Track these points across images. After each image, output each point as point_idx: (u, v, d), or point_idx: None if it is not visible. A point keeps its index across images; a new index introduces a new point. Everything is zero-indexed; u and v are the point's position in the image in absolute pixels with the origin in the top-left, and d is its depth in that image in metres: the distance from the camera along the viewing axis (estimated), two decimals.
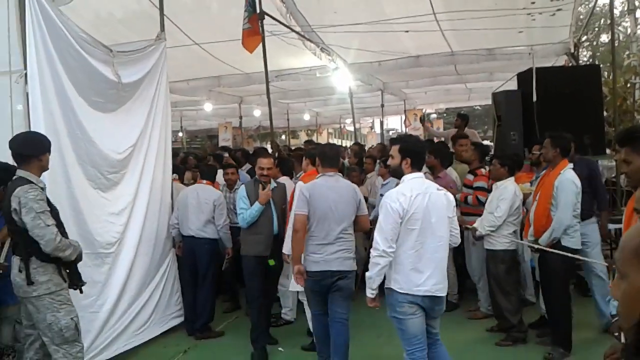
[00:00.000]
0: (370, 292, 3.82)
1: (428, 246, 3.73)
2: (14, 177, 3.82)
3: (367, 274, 3.83)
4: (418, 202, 3.72)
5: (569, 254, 4.76)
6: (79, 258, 3.99)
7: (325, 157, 4.72)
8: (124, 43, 6.04)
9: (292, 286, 5.27)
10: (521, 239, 5.46)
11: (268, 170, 5.44)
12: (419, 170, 3.92)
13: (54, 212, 3.86)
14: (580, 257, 4.87)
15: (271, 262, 5.32)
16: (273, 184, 5.51)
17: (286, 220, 5.46)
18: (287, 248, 5.17)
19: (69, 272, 3.94)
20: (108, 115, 5.28)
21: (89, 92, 5.01)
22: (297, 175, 6.41)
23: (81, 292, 4.07)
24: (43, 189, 3.83)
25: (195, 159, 9.77)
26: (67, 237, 3.92)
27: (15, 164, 3.90)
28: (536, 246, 4.99)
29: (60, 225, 3.88)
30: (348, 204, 4.55)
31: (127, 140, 5.49)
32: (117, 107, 5.41)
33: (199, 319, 5.97)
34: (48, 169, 3.99)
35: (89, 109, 4.99)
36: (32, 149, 3.85)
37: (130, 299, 5.38)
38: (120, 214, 5.31)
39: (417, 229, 3.71)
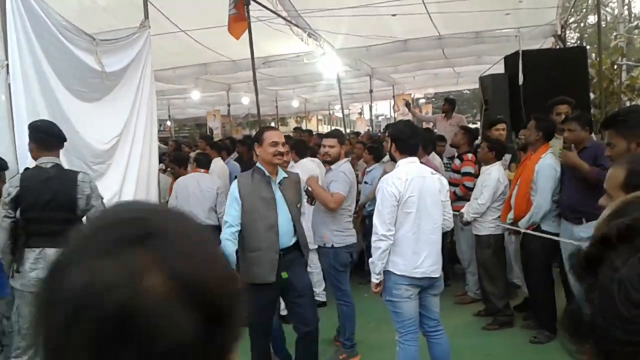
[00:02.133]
0: (375, 277, 3.86)
1: (424, 229, 3.80)
2: (51, 164, 3.87)
3: (370, 259, 3.90)
4: (414, 185, 3.77)
5: (550, 236, 4.76)
6: None
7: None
8: (108, 31, 5.97)
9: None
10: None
11: (284, 147, 3.96)
12: (412, 155, 3.90)
13: None
14: (557, 238, 4.80)
15: (284, 275, 3.94)
16: (282, 174, 4.00)
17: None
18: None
19: None
20: (92, 105, 5.21)
21: (72, 82, 4.94)
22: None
23: None
24: None
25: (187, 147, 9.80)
26: None
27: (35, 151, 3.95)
28: (517, 229, 5.04)
29: None
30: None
31: (112, 130, 5.43)
32: (101, 96, 5.34)
33: None
34: None
35: (72, 98, 4.92)
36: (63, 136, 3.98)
37: None
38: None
39: (413, 212, 3.77)
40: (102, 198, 3.98)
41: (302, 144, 6.91)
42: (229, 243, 3.73)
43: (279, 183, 3.96)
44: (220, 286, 0.65)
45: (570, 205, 4.63)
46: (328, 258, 4.87)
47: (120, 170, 5.48)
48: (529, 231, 4.90)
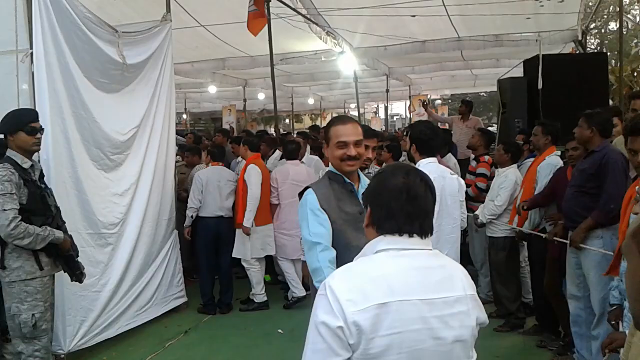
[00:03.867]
0: None
1: (445, 227, 3.78)
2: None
3: None
4: (435, 185, 3.72)
5: (562, 240, 4.50)
6: (67, 249, 3.80)
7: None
8: (130, 24, 6.03)
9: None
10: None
11: (358, 148, 2.77)
12: (431, 155, 3.86)
13: (40, 194, 3.69)
14: (564, 241, 4.50)
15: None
16: (365, 180, 2.86)
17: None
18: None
19: (67, 263, 3.85)
20: (112, 96, 5.28)
21: (94, 72, 5.02)
22: (238, 161, 6.98)
23: (80, 282, 4.01)
24: (27, 169, 3.65)
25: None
26: (59, 221, 3.81)
27: None
28: (528, 231, 5.03)
29: (46, 208, 3.72)
30: None
31: (131, 121, 5.49)
32: (122, 87, 5.41)
33: (224, 296, 6.26)
34: (34, 149, 3.73)
35: (93, 89, 5.00)
36: (1, 127, 3.70)
37: (132, 279, 5.42)
38: (124, 195, 5.33)
39: (436, 210, 3.74)
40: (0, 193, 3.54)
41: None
42: (329, 271, 2.44)
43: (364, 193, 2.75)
44: None
45: (567, 213, 4.41)
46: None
47: (138, 160, 5.54)
48: (534, 232, 4.90)
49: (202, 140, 9.58)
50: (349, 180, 2.77)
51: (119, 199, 5.26)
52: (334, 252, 2.59)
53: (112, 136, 5.21)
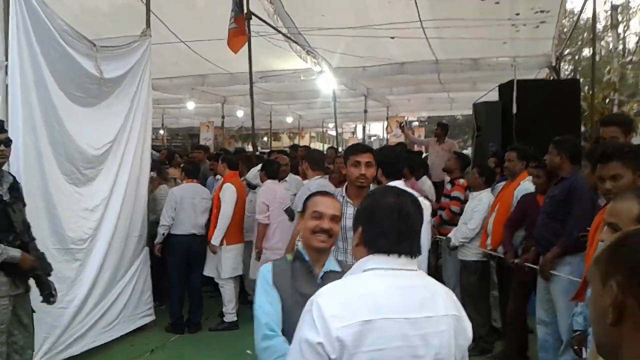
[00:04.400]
0: None
1: None
2: None
3: None
4: None
5: (533, 265, 4.54)
6: (39, 268, 3.68)
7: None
8: (109, 38, 6.00)
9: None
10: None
11: (334, 224, 2.51)
12: (397, 178, 3.92)
13: (2, 209, 3.55)
14: (535, 266, 4.52)
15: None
16: (331, 264, 2.54)
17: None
18: None
19: (36, 282, 3.73)
20: (88, 110, 5.22)
21: (70, 86, 4.96)
22: (217, 179, 7.07)
23: (49, 304, 3.83)
24: None
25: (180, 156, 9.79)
26: (25, 238, 3.68)
27: None
28: (496, 254, 5.08)
29: (9, 224, 3.56)
30: None
31: (106, 136, 5.44)
32: (98, 102, 5.36)
33: (194, 315, 6.21)
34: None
35: (68, 102, 4.94)
36: None
37: (99, 295, 5.32)
38: (94, 210, 5.24)
39: None
40: None
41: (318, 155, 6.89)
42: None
43: (322, 277, 2.46)
44: None
45: (538, 239, 4.45)
46: None
47: (111, 176, 5.47)
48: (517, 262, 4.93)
49: (175, 157, 9.48)
50: (308, 259, 2.48)
51: (89, 214, 5.18)
52: (281, 338, 2.28)
53: (85, 150, 5.14)
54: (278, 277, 2.44)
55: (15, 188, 3.73)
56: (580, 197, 4.02)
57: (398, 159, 4.03)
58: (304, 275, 2.48)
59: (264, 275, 2.45)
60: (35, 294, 3.83)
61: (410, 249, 1.77)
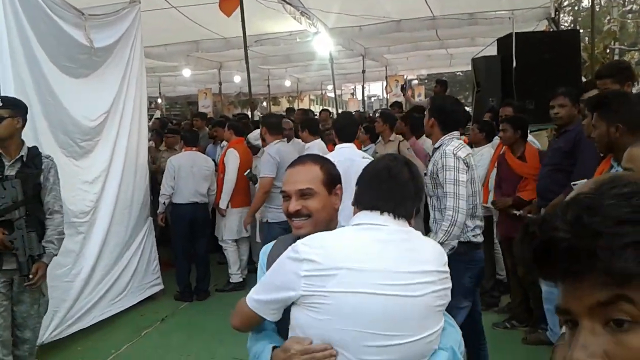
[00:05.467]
0: None
1: (348, 206, 3.84)
2: None
3: None
4: (340, 168, 3.42)
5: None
6: (16, 247, 3.34)
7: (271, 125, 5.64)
8: (97, 6, 5.88)
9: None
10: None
11: (302, 201, 1.99)
12: (348, 141, 4.41)
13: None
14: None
15: None
16: None
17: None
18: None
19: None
20: (80, 81, 5.15)
21: (60, 57, 4.88)
22: (222, 145, 7.09)
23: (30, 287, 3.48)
24: None
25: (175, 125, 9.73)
26: (19, 215, 3.40)
27: None
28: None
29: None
30: None
31: (101, 106, 5.38)
32: (90, 72, 5.28)
33: (201, 283, 6.23)
34: None
35: (60, 74, 4.86)
36: None
37: (106, 267, 5.35)
38: (94, 183, 5.22)
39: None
40: None
41: (314, 122, 6.86)
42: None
43: None
44: None
45: (541, 192, 4.40)
46: (263, 232, 5.49)
47: (109, 147, 5.44)
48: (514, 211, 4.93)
49: (167, 125, 9.42)
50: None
51: (89, 186, 5.16)
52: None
53: (81, 122, 5.10)
54: (272, 261, 1.99)
55: (27, 165, 3.55)
56: (585, 147, 3.96)
57: (350, 122, 4.66)
58: None
59: (261, 259, 2.12)
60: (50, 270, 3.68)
61: (394, 208, 1.78)
